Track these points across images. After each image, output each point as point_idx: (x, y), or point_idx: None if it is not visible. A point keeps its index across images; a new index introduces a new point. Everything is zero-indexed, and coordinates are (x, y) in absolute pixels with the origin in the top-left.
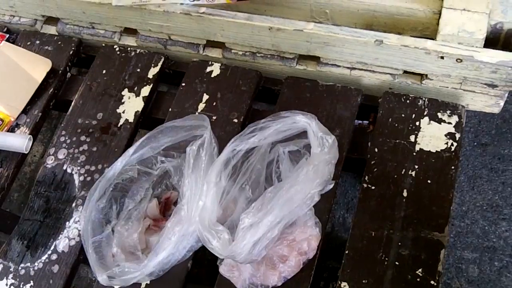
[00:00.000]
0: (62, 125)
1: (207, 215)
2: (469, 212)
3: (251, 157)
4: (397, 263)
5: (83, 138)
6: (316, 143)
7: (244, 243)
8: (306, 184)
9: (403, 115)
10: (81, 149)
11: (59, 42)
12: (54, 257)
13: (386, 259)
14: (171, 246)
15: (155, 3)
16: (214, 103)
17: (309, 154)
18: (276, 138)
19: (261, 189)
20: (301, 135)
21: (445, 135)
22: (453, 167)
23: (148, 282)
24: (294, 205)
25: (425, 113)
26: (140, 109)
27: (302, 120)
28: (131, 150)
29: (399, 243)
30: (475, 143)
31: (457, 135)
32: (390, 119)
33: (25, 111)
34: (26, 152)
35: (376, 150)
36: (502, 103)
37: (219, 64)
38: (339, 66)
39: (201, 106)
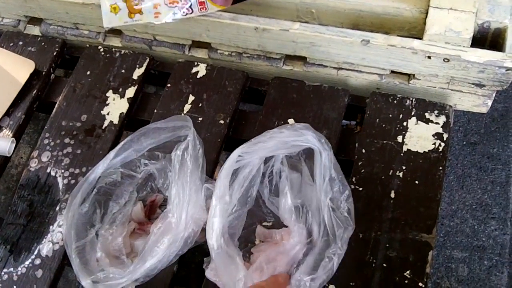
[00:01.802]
0: (46, 127)
1: (221, 238)
2: (458, 212)
3: (250, 164)
4: (385, 265)
5: (67, 140)
6: (323, 183)
7: None
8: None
9: (390, 116)
10: (65, 151)
11: (43, 43)
12: (37, 261)
13: (374, 261)
14: (160, 254)
15: (146, 22)
16: (200, 104)
17: (303, 161)
18: (283, 151)
19: (253, 196)
20: None
21: (433, 136)
22: (440, 168)
23: (133, 286)
24: None
25: (412, 113)
26: (125, 110)
27: (314, 145)
28: (112, 153)
29: (387, 245)
30: (464, 142)
31: (445, 135)
32: (377, 120)
33: (8, 113)
34: (9, 155)
35: (363, 151)
36: (490, 103)
37: (205, 65)
38: (326, 66)
39: (187, 107)
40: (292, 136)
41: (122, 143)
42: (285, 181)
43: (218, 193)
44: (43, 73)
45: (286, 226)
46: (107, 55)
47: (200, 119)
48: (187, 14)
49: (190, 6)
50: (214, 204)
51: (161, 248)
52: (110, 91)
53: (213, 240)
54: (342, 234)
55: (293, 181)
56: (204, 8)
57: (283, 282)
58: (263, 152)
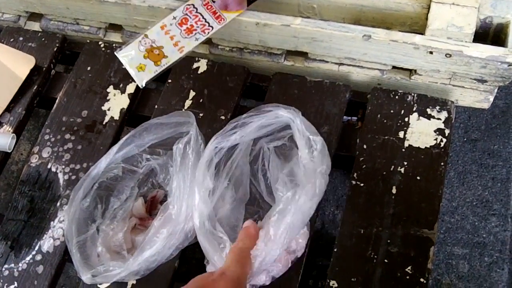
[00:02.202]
0: (46, 123)
1: (205, 220)
2: (459, 208)
3: (233, 155)
4: (386, 260)
5: (67, 136)
6: (303, 143)
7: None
8: (307, 206)
9: (392, 111)
10: (65, 147)
11: (43, 39)
12: (38, 257)
13: (375, 256)
14: (158, 244)
15: (176, 61)
16: (201, 100)
17: (295, 146)
18: (258, 134)
19: (245, 187)
20: (285, 127)
21: (434, 131)
22: (442, 164)
23: (134, 281)
24: (296, 230)
25: (414, 109)
26: (125, 106)
27: (285, 115)
28: (115, 148)
29: (388, 241)
30: (465, 139)
31: (447, 131)
32: (378, 115)
33: (8, 109)
34: (10, 151)
35: (364, 146)
36: (491, 99)
37: (206, 60)
38: (327, 61)
39: (188, 103)
40: (264, 116)
41: (124, 138)
42: (276, 173)
43: (198, 179)
44: (44, 68)
45: None
46: (108, 51)
47: (201, 114)
48: (208, 33)
49: (209, 25)
50: (195, 191)
51: (160, 238)
52: (111, 86)
53: (196, 218)
54: (316, 172)
55: (287, 168)
56: (222, 20)
57: (254, 233)
58: (242, 138)
